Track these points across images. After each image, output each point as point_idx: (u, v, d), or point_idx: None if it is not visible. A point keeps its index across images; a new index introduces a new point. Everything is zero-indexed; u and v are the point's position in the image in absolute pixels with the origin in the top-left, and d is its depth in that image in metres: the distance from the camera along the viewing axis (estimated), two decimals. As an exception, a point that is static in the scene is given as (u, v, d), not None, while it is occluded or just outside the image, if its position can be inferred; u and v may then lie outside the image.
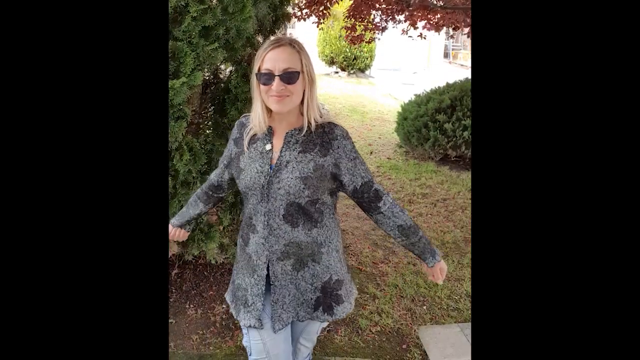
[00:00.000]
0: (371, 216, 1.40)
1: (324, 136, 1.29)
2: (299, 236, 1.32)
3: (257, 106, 1.29)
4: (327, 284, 1.38)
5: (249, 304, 1.38)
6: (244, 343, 1.45)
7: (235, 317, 1.43)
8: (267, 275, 1.36)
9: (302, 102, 1.29)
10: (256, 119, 1.31)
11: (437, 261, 1.43)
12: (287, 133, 1.30)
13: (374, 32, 5.65)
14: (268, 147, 1.31)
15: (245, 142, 1.35)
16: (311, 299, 1.37)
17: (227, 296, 1.51)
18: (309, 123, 1.29)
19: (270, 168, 1.30)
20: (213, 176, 1.52)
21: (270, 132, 1.33)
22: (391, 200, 1.38)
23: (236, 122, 1.42)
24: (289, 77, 1.22)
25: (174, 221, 1.64)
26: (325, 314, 1.39)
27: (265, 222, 1.31)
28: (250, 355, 1.42)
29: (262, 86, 1.25)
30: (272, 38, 1.35)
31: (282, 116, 1.30)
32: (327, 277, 1.38)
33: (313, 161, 1.28)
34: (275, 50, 1.23)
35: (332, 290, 1.39)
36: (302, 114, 1.30)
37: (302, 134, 1.29)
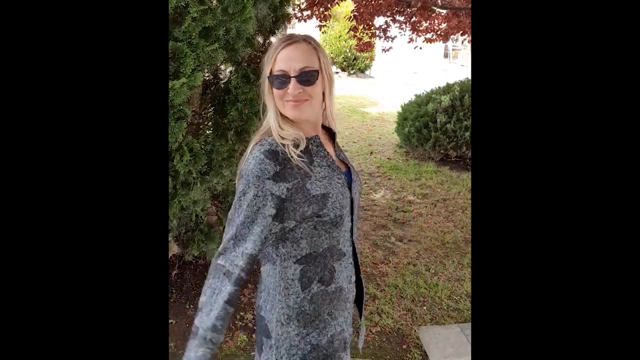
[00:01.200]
0: None
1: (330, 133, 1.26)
2: None
3: (271, 116, 1.09)
4: None
5: (347, 340, 1.18)
6: None
7: None
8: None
9: (324, 105, 1.15)
10: (286, 131, 1.08)
11: None
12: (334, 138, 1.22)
13: (385, 40, 5.63)
14: (330, 158, 1.13)
15: (305, 164, 1.06)
16: None
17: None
18: (333, 124, 1.22)
19: (345, 176, 1.14)
20: (250, 249, 1.02)
21: (318, 141, 1.14)
22: None
23: (262, 156, 1.03)
24: (306, 77, 1.05)
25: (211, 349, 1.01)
26: None
27: (351, 238, 1.15)
28: None
29: (275, 90, 1.06)
30: (283, 36, 1.14)
31: (314, 125, 1.14)
32: None
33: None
34: (289, 48, 1.06)
35: None
36: (326, 118, 1.19)
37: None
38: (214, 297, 1.01)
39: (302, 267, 1.08)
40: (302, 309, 1.09)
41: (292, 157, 1.04)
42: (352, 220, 1.13)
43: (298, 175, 1.04)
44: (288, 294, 1.09)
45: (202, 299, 1.02)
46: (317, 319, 1.10)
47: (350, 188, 1.13)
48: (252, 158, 1.04)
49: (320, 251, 1.08)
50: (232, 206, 1.06)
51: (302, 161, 1.05)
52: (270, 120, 1.09)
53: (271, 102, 1.09)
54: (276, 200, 1.02)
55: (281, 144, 1.05)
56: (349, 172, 1.17)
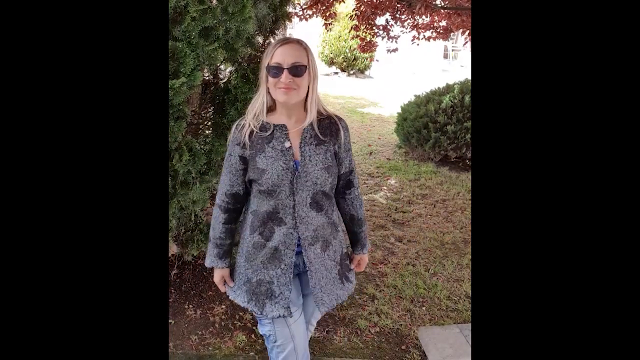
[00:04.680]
0: (334, 196, 1.56)
1: (331, 127, 1.45)
2: (324, 219, 1.46)
3: (258, 101, 1.40)
4: (341, 256, 1.57)
5: (276, 295, 1.44)
6: (265, 332, 1.50)
7: (257, 312, 1.46)
8: (294, 264, 1.46)
9: (306, 97, 1.39)
10: (260, 115, 1.40)
11: (362, 253, 1.65)
12: (304, 130, 1.42)
13: (388, 39, 5.60)
14: (287, 144, 1.39)
15: (247, 142, 1.40)
16: (335, 274, 1.53)
17: (239, 298, 1.51)
18: (316, 115, 1.41)
19: (295, 164, 1.39)
20: (234, 188, 1.47)
21: (285, 130, 1.41)
22: (357, 193, 1.59)
23: (236, 126, 1.44)
24: (296, 70, 1.32)
25: (220, 263, 1.54)
26: (346, 283, 1.57)
27: (294, 214, 1.40)
28: (274, 342, 1.49)
29: (270, 79, 1.35)
30: (280, 38, 1.44)
31: (291, 112, 1.41)
32: (341, 251, 1.57)
33: (329, 151, 1.43)
34: (285, 46, 1.34)
35: (342, 261, 1.58)
36: (305, 109, 1.41)
37: (313, 128, 1.42)
38: (216, 222, 1.51)
39: (251, 218, 1.47)
40: (247, 249, 1.48)
41: (247, 136, 1.40)
42: (294, 200, 1.39)
43: (254, 148, 1.40)
44: (244, 236, 1.52)
45: (211, 223, 1.53)
46: (254, 261, 1.47)
47: (294, 174, 1.38)
48: (232, 130, 1.46)
49: (262, 210, 1.43)
50: None
51: (256, 140, 1.39)
52: (255, 104, 1.42)
53: (263, 89, 1.39)
54: (242, 159, 1.43)
55: (249, 124, 1.40)
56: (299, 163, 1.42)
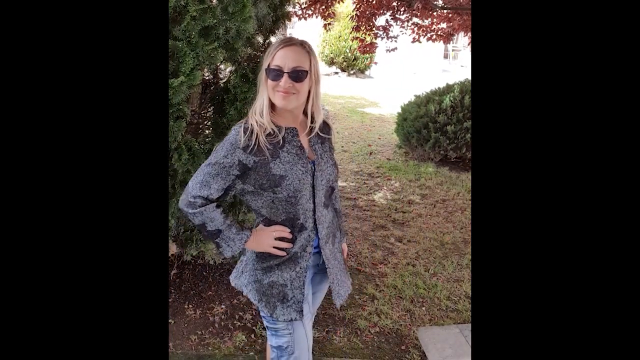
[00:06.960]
0: None
1: (324, 125, 1.48)
2: (331, 214, 1.49)
3: (259, 103, 1.34)
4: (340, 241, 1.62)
5: (289, 299, 1.39)
6: (281, 343, 1.41)
7: (267, 314, 1.40)
8: (314, 264, 1.47)
9: (307, 100, 1.37)
10: (266, 116, 1.31)
11: (343, 242, 1.67)
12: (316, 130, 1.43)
13: (387, 40, 5.60)
14: (301, 146, 1.37)
15: (265, 147, 1.29)
16: (343, 264, 1.57)
17: (251, 294, 1.44)
18: (316, 118, 1.41)
19: (312, 164, 1.37)
20: (214, 194, 1.33)
21: (296, 133, 1.37)
22: (337, 187, 1.59)
23: (241, 129, 1.30)
24: (297, 75, 1.29)
25: (247, 231, 1.40)
26: (346, 271, 1.60)
27: (314, 216, 1.39)
28: (292, 353, 1.40)
29: (270, 81, 1.31)
30: (283, 38, 1.38)
31: (296, 116, 1.39)
32: (340, 237, 1.62)
33: (330, 149, 1.48)
34: (286, 48, 1.30)
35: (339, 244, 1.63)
36: (305, 113, 1.40)
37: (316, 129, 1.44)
38: (208, 213, 1.33)
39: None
40: (261, 253, 1.40)
41: (259, 139, 1.29)
42: (314, 203, 1.38)
43: (266, 153, 1.30)
44: None
45: (199, 221, 1.35)
46: (266, 262, 1.41)
47: (313, 176, 1.36)
48: (233, 130, 1.33)
49: (280, 221, 1.37)
50: (206, 160, 1.35)
51: (268, 144, 1.30)
52: (257, 105, 1.34)
53: (264, 91, 1.33)
54: (242, 165, 1.30)
55: (258, 126, 1.31)
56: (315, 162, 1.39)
